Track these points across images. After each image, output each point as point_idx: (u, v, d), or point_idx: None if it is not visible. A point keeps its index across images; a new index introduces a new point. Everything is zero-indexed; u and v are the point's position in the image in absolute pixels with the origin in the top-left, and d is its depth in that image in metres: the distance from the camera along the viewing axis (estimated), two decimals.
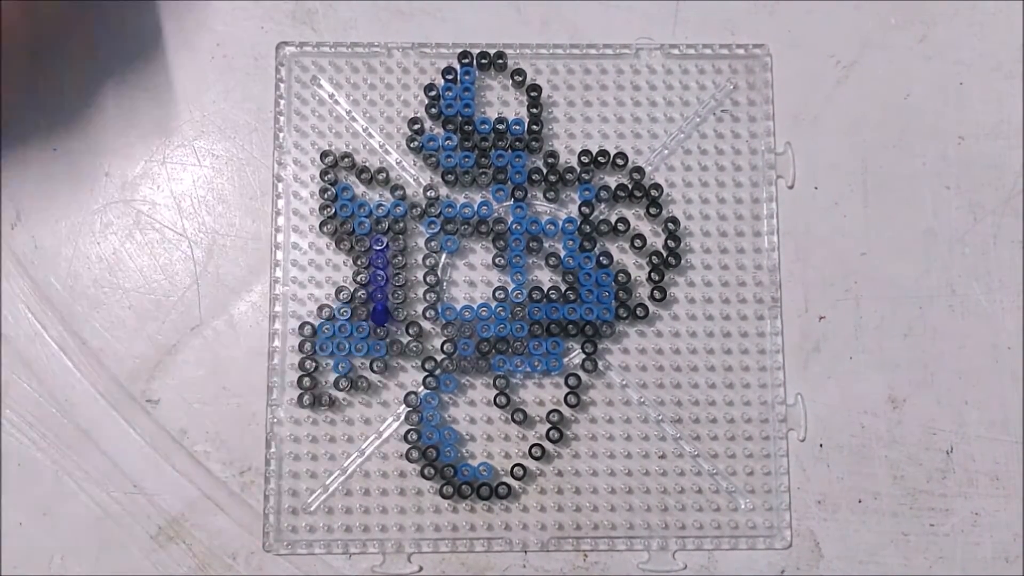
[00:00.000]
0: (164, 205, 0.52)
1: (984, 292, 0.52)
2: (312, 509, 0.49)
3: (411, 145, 0.51)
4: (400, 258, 0.50)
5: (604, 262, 0.50)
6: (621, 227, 0.51)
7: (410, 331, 0.50)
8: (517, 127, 0.51)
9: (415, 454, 0.49)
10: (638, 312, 0.50)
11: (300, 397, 0.49)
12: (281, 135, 0.51)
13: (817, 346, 0.51)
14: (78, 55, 0.52)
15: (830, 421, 0.51)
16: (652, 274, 0.51)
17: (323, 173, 0.51)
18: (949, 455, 0.51)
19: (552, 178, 0.51)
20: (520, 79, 0.52)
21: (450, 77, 0.51)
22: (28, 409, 0.50)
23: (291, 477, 0.49)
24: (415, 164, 0.52)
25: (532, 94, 0.52)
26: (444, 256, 0.51)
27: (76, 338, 0.50)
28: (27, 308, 0.50)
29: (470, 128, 0.51)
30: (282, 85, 0.52)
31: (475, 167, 0.51)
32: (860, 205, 0.53)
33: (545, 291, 0.50)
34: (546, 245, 0.51)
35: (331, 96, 0.52)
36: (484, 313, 0.50)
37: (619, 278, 0.50)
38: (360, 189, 0.51)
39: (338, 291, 0.50)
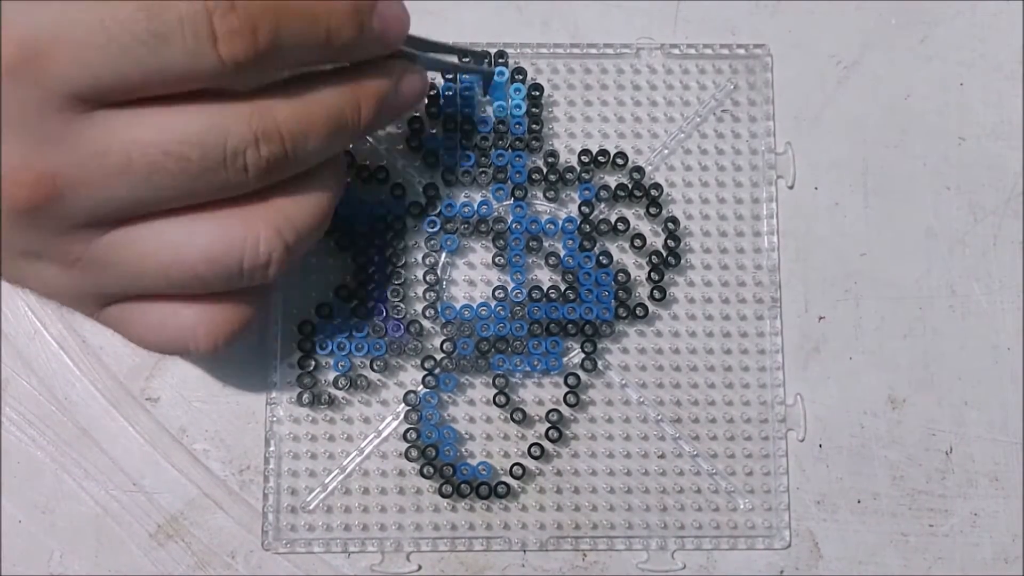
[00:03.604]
0: None
1: (984, 293, 0.52)
2: (311, 508, 0.49)
3: (411, 144, 0.51)
4: (400, 257, 0.50)
5: (604, 262, 0.50)
6: (621, 227, 0.51)
7: (410, 330, 0.50)
8: (518, 127, 0.51)
9: (414, 453, 0.49)
10: (638, 312, 0.50)
11: (299, 396, 0.49)
12: None
13: (817, 346, 0.51)
14: None
15: (830, 421, 0.51)
16: (652, 274, 0.51)
17: None
18: (949, 456, 0.51)
19: (552, 178, 0.51)
20: (521, 78, 0.52)
21: (450, 76, 0.51)
22: (27, 407, 0.50)
23: (290, 476, 0.49)
24: (415, 163, 0.52)
25: (533, 93, 0.52)
26: (444, 255, 0.51)
27: (76, 336, 0.50)
28: (27, 305, 0.50)
29: (470, 127, 0.51)
30: None
31: (475, 166, 0.51)
32: (860, 205, 0.53)
33: (545, 290, 0.50)
34: (546, 244, 0.51)
35: None
36: (484, 312, 0.50)
37: (619, 278, 0.50)
38: (360, 188, 0.51)
39: (338, 290, 0.50)
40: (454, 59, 0.49)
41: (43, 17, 0.33)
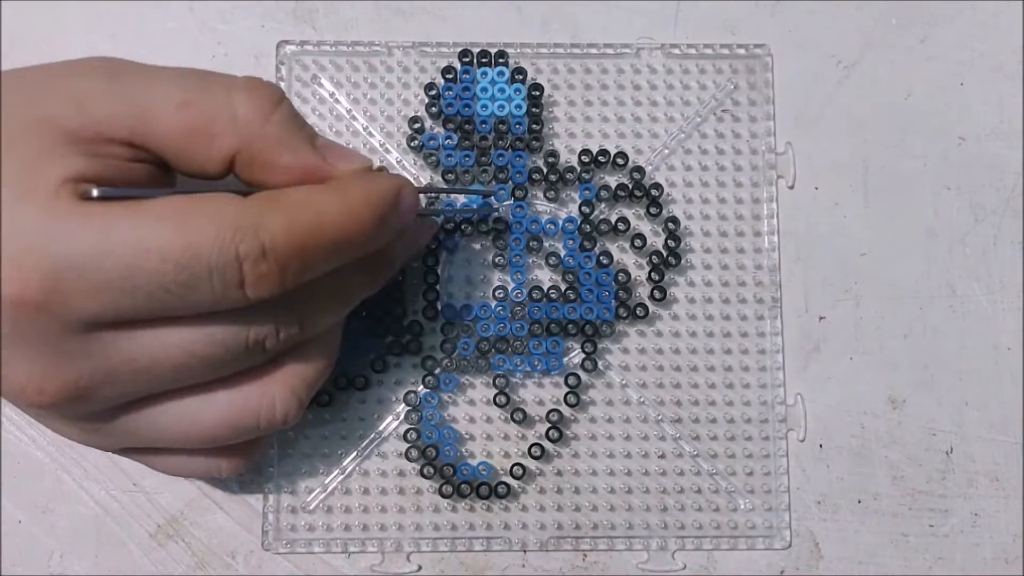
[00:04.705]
0: None
1: (984, 293, 0.52)
2: (311, 508, 0.49)
3: (411, 144, 0.51)
4: None
5: (604, 262, 0.50)
6: (621, 227, 0.51)
7: (411, 330, 0.50)
8: (518, 127, 0.51)
9: (414, 453, 0.49)
10: (638, 312, 0.50)
11: None
12: None
13: (817, 346, 0.51)
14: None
15: (830, 421, 0.51)
16: (652, 274, 0.51)
17: None
18: (949, 456, 0.51)
19: (552, 178, 0.51)
20: (521, 78, 0.52)
21: (450, 76, 0.51)
22: None
23: (290, 476, 0.49)
24: (415, 163, 0.52)
25: (533, 93, 0.52)
26: (444, 255, 0.51)
27: None
28: None
29: (470, 127, 0.51)
30: (282, 84, 0.52)
31: (475, 166, 0.51)
32: (860, 205, 0.52)
33: (545, 290, 0.50)
34: (546, 244, 0.51)
35: (332, 95, 0.52)
36: (484, 312, 0.50)
37: (619, 278, 0.50)
38: None
39: None
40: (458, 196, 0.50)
41: (68, 248, 0.33)
